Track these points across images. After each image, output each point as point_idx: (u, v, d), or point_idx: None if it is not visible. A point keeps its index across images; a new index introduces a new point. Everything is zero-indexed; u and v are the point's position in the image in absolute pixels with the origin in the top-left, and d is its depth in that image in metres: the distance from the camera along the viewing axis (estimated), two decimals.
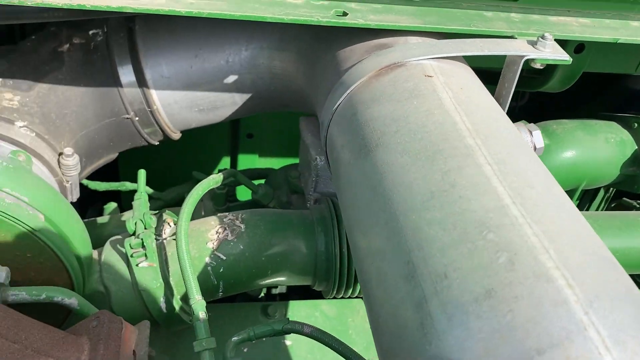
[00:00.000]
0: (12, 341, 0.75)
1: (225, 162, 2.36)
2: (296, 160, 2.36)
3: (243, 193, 2.04)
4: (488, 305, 0.56)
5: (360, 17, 0.98)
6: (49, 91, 1.25)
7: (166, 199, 1.69)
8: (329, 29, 1.04)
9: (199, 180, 1.65)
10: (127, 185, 1.60)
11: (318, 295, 1.59)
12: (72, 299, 0.96)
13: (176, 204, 1.63)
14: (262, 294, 1.66)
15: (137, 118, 1.33)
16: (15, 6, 0.91)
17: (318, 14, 0.97)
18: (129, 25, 1.30)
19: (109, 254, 1.13)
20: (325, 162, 1.25)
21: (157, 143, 1.45)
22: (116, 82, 1.28)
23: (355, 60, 1.01)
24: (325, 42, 1.15)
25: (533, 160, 0.77)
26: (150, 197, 1.63)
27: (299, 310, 1.41)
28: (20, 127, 1.16)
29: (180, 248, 1.02)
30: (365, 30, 1.02)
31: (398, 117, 0.83)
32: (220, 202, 1.52)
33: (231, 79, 1.34)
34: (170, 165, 2.18)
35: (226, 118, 1.44)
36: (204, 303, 0.99)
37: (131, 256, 1.08)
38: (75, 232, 1.03)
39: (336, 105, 0.98)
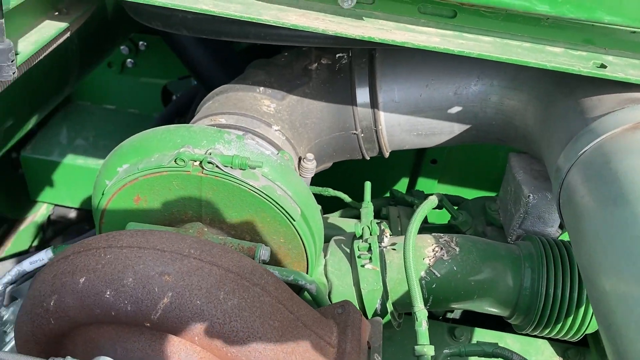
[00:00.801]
0: (289, 311, 0.90)
1: (404, 183, 2.46)
2: (475, 192, 2.38)
3: None
4: None
5: (620, 70, 1.02)
6: (297, 102, 1.44)
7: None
8: (573, 76, 1.08)
9: (395, 196, 1.77)
10: (330, 191, 1.75)
11: (491, 326, 1.62)
12: (312, 285, 1.11)
13: None
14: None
15: (362, 135, 1.47)
16: (311, 33, 1.08)
17: (578, 64, 1.02)
18: (371, 52, 1.45)
19: (334, 251, 1.28)
20: (550, 203, 1.29)
21: (368, 158, 1.59)
22: (352, 101, 1.44)
23: (605, 110, 1.05)
24: (566, 87, 1.19)
25: None
26: (349, 206, 1.77)
27: (483, 338, 1.45)
28: (275, 130, 1.36)
29: (407, 259, 1.13)
30: (616, 82, 1.05)
31: None
32: None
33: (455, 109, 1.43)
34: (353, 178, 2.33)
35: (438, 144, 1.54)
36: (426, 312, 1.08)
37: (358, 257, 1.21)
38: (318, 228, 1.19)
39: (582, 152, 1.02)
